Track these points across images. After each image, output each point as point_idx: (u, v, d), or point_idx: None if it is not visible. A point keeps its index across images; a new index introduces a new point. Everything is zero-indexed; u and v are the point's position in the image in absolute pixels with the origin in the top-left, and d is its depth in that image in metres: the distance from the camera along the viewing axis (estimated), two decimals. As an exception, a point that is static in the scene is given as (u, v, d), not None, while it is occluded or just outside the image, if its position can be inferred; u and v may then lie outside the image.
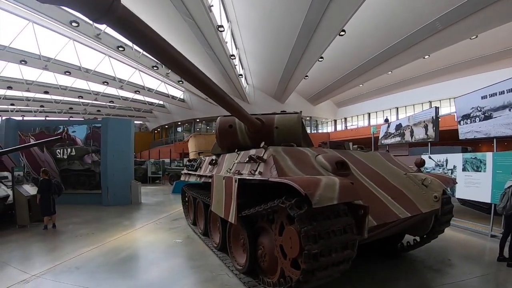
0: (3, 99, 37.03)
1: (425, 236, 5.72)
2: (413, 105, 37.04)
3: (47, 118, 39.51)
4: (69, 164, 14.23)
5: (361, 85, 35.10)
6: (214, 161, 6.81)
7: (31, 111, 43.06)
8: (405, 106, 38.09)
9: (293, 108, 26.71)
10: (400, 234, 6.12)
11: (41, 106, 41.24)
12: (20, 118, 34.26)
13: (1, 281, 5.05)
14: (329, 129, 45.74)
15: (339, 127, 45.71)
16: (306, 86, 35.07)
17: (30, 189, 10.22)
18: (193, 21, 19.23)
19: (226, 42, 23.42)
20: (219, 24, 20.08)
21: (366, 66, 28.05)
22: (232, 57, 25.49)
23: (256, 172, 4.43)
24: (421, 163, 6.16)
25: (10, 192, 9.75)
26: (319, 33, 19.87)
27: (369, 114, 42.19)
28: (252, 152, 5.04)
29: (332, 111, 45.78)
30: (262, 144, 4.79)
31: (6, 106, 39.77)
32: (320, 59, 24.70)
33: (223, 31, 21.15)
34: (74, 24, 21.58)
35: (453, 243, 7.21)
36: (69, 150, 14.11)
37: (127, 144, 14.85)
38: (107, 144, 14.11)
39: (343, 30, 19.90)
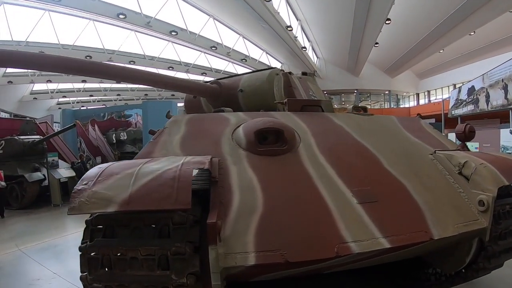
0: (82, 91, 39.30)
1: (456, 273, 3.25)
2: (508, 72, 31.51)
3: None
4: (125, 147, 15.82)
5: (441, 51, 30.62)
6: None
7: (112, 100, 44.87)
8: (497, 74, 32.54)
9: (369, 82, 25.12)
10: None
11: (118, 95, 42.84)
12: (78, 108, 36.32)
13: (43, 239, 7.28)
14: (412, 103, 40.92)
15: (422, 102, 40.66)
16: (380, 56, 31.63)
17: (65, 172, 12.15)
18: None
19: (278, 13, 21.98)
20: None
21: (442, 28, 24.09)
22: (289, 29, 23.91)
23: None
24: (468, 134, 4.00)
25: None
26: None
27: (454, 85, 36.31)
28: None
29: (413, 84, 40.98)
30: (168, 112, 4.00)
31: (87, 98, 41.86)
32: (387, 22, 21.91)
33: (269, 0, 19.78)
34: (121, 16, 22.27)
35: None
36: (125, 133, 15.60)
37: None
38: (147, 127, 13.65)
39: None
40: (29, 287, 4.89)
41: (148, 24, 23.90)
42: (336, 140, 3.31)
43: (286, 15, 23.68)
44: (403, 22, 23.86)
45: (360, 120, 3.80)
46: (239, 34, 29.02)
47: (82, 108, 38.43)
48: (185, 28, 26.29)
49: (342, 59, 32.32)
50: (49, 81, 31.80)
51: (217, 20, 26.41)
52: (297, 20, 26.00)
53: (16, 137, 12.76)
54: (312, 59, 32.64)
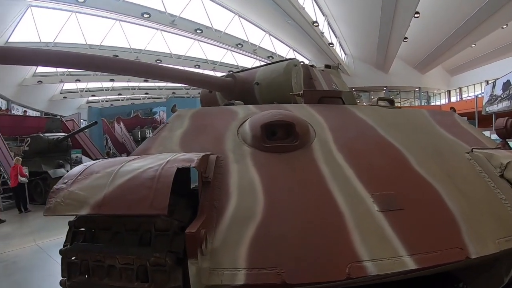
0: (111, 90, 39.85)
1: None
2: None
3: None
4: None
5: (473, 46, 29.36)
6: None
7: (140, 99, 45.40)
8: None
9: (398, 79, 24.51)
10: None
11: (146, 93, 43.18)
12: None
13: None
14: (443, 101, 39.21)
15: (453, 99, 38.76)
16: (410, 51, 30.66)
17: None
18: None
19: (303, 8, 21.59)
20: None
21: (473, 21, 23.07)
22: (315, 24, 23.41)
23: None
24: (510, 130, 3.59)
25: None
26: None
27: (486, 82, 34.79)
28: None
29: (444, 80, 39.31)
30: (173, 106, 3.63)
31: (115, 96, 42.45)
32: (416, 15, 21.21)
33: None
34: (145, 15, 22.54)
35: None
36: (150, 130, 16.00)
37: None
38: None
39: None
40: (42, 282, 4.88)
41: (173, 22, 23.95)
42: (357, 135, 2.86)
43: (312, 11, 23.25)
44: (432, 15, 23.07)
45: (386, 113, 3.32)
46: (265, 31, 28.68)
47: (110, 106, 39.22)
48: (210, 26, 26.18)
49: (370, 55, 31.50)
50: (78, 80, 32.38)
51: (242, 17, 26.21)
52: (323, 15, 25.45)
53: (41, 135, 13.20)
54: (340, 56, 31.82)
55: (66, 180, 1.92)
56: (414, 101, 37.18)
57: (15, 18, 21.10)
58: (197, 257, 1.60)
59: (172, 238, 1.74)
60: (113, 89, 39.74)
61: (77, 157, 12.77)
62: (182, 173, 1.97)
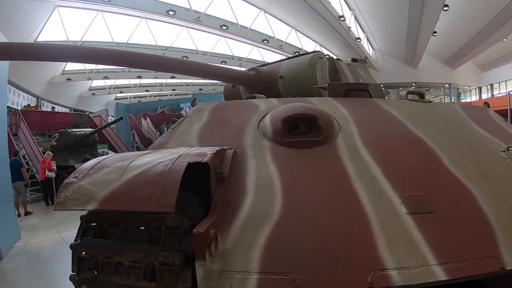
0: (139, 87, 40.32)
1: None
2: None
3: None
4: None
5: (504, 40, 28.14)
6: None
7: (167, 95, 46.08)
8: None
9: (427, 75, 23.98)
10: None
11: (173, 89, 43.72)
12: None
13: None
14: (473, 98, 37.79)
15: (484, 96, 37.07)
16: (439, 46, 29.79)
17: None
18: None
19: (329, 2, 21.37)
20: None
21: (505, 13, 22.13)
22: (341, 19, 23.17)
23: None
24: None
25: None
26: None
27: None
28: None
29: (475, 76, 37.86)
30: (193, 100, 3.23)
31: (143, 93, 43.14)
32: (445, 8, 20.72)
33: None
34: (171, 12, 22.89)
35: None
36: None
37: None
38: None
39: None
40: (62, 274, 4.95)
41: (198, 19, 24.13)
42: (385, 130, 2.65)
43: (338, 5, 22.98)
44: (462, 8, 22.40)
45: (416, 107, 3.10)
46: (291, 27, 28.51)
47: (138, 102, 39.90)
48: (236, 22, 26.23)
49: (399, 50, 30.79)
50: (105, 77, 33.03)
51: (267, 13, 26.09)
52: (350, 10, 25.10)
53: (69, 130, 13.63)
54: (368, 51, 31.28)
55: (77, 174, 1.86)
56: (444, 98, 36.22)
57: (42, 18, 21.78)
58: (205, 259, 1.50)
59: (182, 237, 1.63)
60: (141, 85, 40.32)
61: (103, 151, 13.11)
62: (198, 169, 1.86)
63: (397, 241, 1.72)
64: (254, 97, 3.46)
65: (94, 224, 1.91)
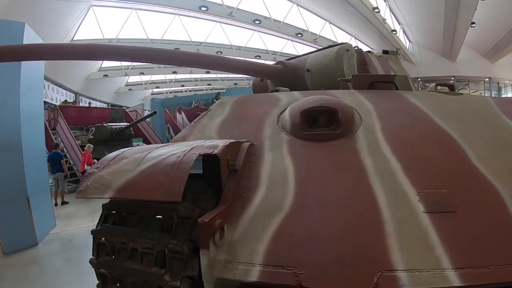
0: (174, 82, 41.20)
1: None
2: None
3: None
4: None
5: None
6: None
7: (202, 90, 46.76)
8: None
9: (466, 68, 23.21)
10: None
11: (208, 84, 44.16)
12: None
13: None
14: None
15: None
16: (478, 38, 28.43)
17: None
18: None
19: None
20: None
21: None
22: (376, 10, 22.84)
23: None
24: None
25: None
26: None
27: None
28: None
29: None
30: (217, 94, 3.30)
31: (178, 88, 44.05)
32: (482, -2, 19.92)
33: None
34: (203, 8, 23.56)
35: None
36: None
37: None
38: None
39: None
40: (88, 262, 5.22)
41: (231, 14, 24.39)
42: (409, 124, 2.52)
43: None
44: (500, -1, 21.42)
45: (445, 100, 2.94)
46: (325, 20, 28.25)
47: (174, 97, 40.72)
48: (269, 16, 26.30)
49: (436, 43, 29.77)
50: (141, 73, 33.92)
51: (300, 6, 26.03)
52: (385, 1, 24.71)
53: (105, 124, 14.15)
54: (404, 43, 30.46)
55: (99, 165, 1.97)
56: (484, 92, 34.72)
57: (78, 17, 22.82)
58: (208, 248, 1.53)
59: (193, 226, 1.67)
60: (176, 81, 41.12)
61: (138, 145, 13.50)
62: (217, 161, 1.89)
63: (410, 241, 1.62)
64: (278, 90, 3.45)
65: (114, 212, 2.01)
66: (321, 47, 5.10)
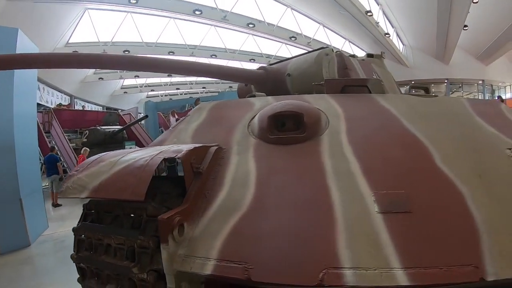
0: (169, 85, 41.42)
1: None
2: None
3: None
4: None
5: None
6: None
7: (198, 93, 46.62)
8: None
9: (460, 70, 23.18)
10: None
11: (203, 87, 44.28)
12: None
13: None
14: (508, 95, 34.71)
15: None
16: (471, 40, 28.57)
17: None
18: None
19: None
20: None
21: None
22: (368, 14, 22.89)
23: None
24: None
25: None
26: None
27: None
28: None
29: (509, 72, 35.29)
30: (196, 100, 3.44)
31: (174, 91, 43.98)
32: (474, 1, 20.13)
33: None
34: (197, 12, 23.58)
35: None
36: None
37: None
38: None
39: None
40: None
41: (225, 18, 24.53)
42: (376, 126, 2.54)
43: (365, 0, 22.71)
44: (492, 1, 21.69)
45: (418, 102, 2.93)
46: (318, 23, 28.33)
47: (169, 100, 40.82)
48: (263, 20, 26.39)
49: (429, 46, 29.80)
50: (137, 76, 33.95)
51: (294, 9, 26.12)
52: (378, 4, 24.80)
53: (98, 127, 14.31)
54: (398, 46, 30.54)
55: (79, 168, 2.16)
56: (478, 94, 34.72)
57: (73, 20, 22.95)
58: (167, 243, 1.67)
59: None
60: (171, 84, 41.22)
61: (130, 148, 13.64)
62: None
63: (360, 240, 1.65)
64: (254, 96, 3.51)
65: (93, 211, 2.18)
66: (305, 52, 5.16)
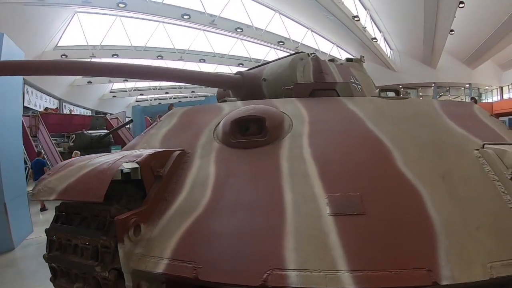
0: (158, 89, 41.50)
1: None
2: None
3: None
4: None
5: None
6: None
7: (187, 97, 46.57)
8: None
9: (447, 74, 23.25)
10: None
11: (192, 91, 44.25)
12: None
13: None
14: (495, 98, 35.99)
15: (506, 96, 35.37)
16: (458, 45, 28.81)
17: (128, 164, 15.39)
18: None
19: (342, 2, 21.46)
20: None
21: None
22: (355, 19, 23.15)
23: None
24: None
25: None
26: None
27: None
28: None
29: (496, 76, 36.06)
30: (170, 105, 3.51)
31: (163, 95, 44.13)
32: (460, 5, 20.16)
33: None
34: (185, 16, 23.81)
35: None
36: None
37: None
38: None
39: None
40: None
41: (213, 22, 24.63)
42: (339, 129, 2.54)
43: (352, 5, 22.99)
44: (478, 5, 21.76)
45: (386, 105, 2.92)
46: (306, 28, 28.57)
47: (158, 104, 40.77)
48: (251, 25, 26.54)
49: (417, 50, 30.01)
50: (126, 80, 33.77)
51: (282, 14, 26.30)
52: (365, 9, 25.10)
53: (85, 132, 14.28)
54: (385, 51, 30.76)
55: (51, 172, 2.26)
56: (465, 98, 34.93)
57: (63, 23, 23.01)
58: (123, 242, 1.78)
59: None
60: (160, 88, 41.20)
61: (116, 151, 13.77)
62: None
63: (308, 242, 1.66)
64: (226, 101, 3.62)
65: (63, 213, 2.26)
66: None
